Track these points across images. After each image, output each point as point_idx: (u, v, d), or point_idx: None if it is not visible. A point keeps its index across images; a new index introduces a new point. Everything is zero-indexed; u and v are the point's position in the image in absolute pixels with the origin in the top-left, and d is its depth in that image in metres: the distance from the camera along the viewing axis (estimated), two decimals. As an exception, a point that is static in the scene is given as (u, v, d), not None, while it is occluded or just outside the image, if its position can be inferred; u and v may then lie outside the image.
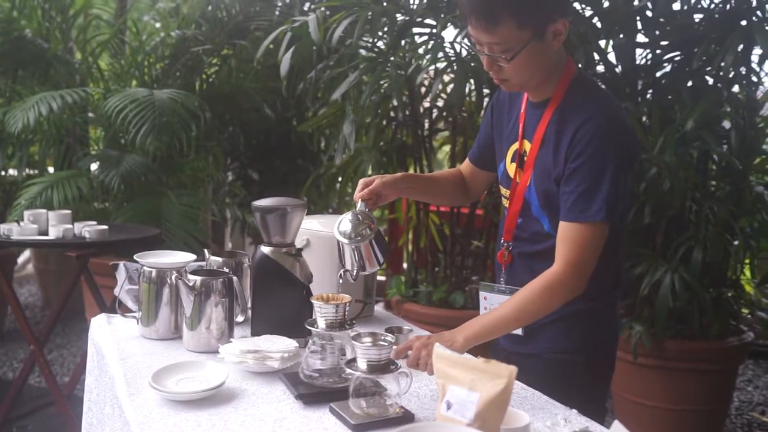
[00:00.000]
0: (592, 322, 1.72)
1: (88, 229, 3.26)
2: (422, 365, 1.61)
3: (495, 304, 1.87)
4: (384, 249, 1.78)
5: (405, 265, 4.81)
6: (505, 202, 1.91)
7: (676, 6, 3.34)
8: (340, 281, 1.75)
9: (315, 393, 1.56)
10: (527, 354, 1.83)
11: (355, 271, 1.75)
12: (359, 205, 1.80)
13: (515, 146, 1.85)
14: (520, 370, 1.61)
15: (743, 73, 3.21)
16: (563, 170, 1.70)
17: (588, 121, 1.67)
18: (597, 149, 1.66)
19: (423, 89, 3.92)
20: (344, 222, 1.74)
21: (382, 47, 3.77)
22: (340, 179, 4.36)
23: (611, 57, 3.42)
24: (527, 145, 1.81)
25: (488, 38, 1.65)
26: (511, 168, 1.87)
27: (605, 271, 1.77)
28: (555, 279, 1.68)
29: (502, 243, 1.89)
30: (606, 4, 3.33)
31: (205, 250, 2.15)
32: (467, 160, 2.11)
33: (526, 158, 1.81)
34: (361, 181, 1.83)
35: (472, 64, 3.37)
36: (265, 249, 1.88)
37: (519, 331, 1.84)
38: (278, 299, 1.87)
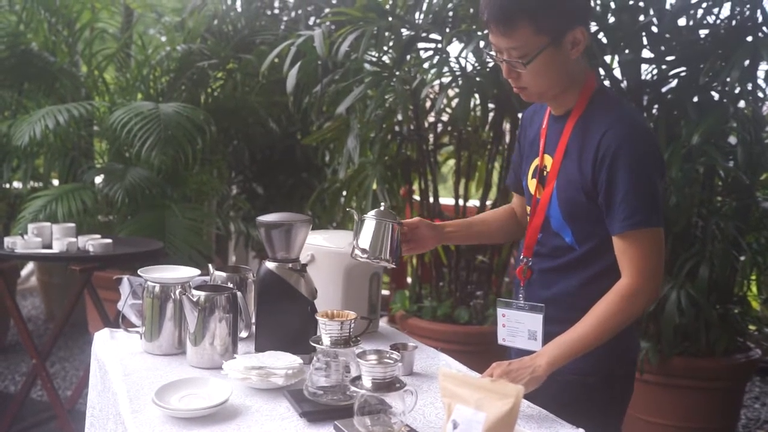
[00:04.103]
0: (610, 343, 1.68)
1: (92, 242, 3.25)
2: None
3: (513, 321, 1.85)
4: (400, 250, 1.84)
5: (409, 280, 4.79)
6: None
7: (682, 22, 3.34)
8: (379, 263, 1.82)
9: (319, 410, 1.55)
10: None
11: (384, 251, 1.79)
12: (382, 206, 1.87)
13: (536, 162, 1.84)
14: (535, 390, 1.60)
15: (749, 88, 3.20)
16: (592, 179, 1.69)
17: (613, 128, 1.67)
18: (629, 156, 1.64)
19: (428, 104, 3.92)
20: (369, 213, 1.82)
21: (388, 62, 3.78)
22: (344, 194, 4.35)
23: (617, 72, 3.42)
24: (548, 160, 1.80)
25: (506, 43, 1.66)
26: (531, 184, 1.85)
27: None
28: (629, 289, 1.66)
29: (521, 259, 1.87)
30: (611, 20, 3.33)
31: (209, 265, 2.14)
32: (515, 195, 2.08)
33: (546, 173, 1.79)
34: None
35: (477, 79, 3.37)
36: (270, 264, 1.87)
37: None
38: (283, 315, 1.85)
